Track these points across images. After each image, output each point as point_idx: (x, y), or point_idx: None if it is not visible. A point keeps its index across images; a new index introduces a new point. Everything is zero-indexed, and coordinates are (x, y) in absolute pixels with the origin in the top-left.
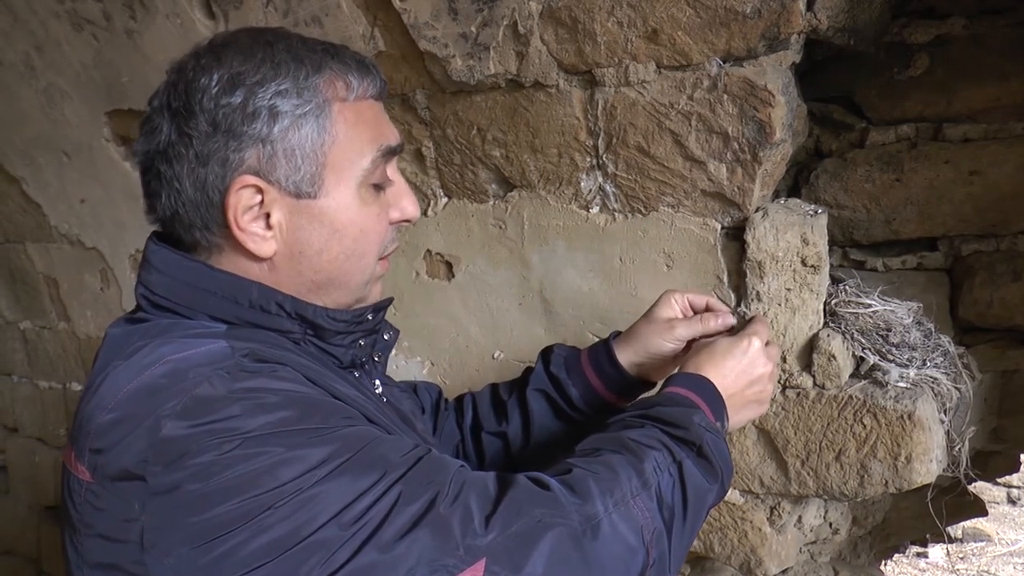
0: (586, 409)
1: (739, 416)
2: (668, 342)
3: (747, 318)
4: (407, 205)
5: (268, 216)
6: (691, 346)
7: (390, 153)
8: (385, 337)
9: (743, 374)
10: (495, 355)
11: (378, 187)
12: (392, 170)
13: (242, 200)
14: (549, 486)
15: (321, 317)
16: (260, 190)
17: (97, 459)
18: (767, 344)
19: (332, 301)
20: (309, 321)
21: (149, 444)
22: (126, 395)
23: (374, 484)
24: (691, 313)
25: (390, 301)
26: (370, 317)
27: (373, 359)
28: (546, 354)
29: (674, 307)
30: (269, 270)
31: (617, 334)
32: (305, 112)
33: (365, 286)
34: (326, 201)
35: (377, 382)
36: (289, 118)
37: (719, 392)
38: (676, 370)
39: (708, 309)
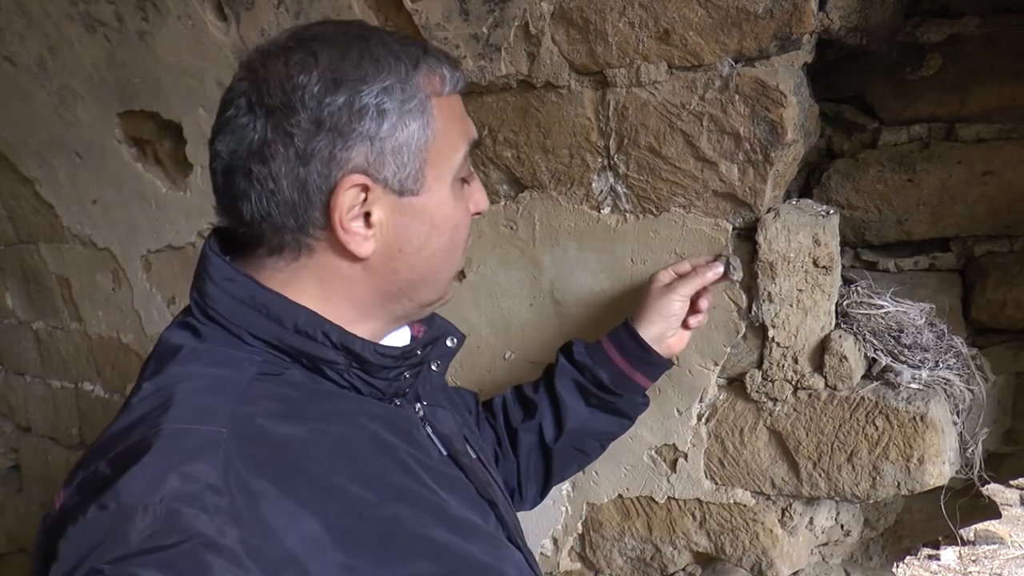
0: (616, 389)
1: None
2: (675, 300)
3: (723, 257)
4: (481, 198)
5: (367, 215)
6: (697, 304)
7: (475, 146)
8: (448, 344)
9: None
10: (506, 355)
11: (464, 181)
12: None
13: (348, 200)
14: None
15: (369, 351)
16: (366, 188)
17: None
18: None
19: (419, 299)
20: (355, 354)
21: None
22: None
23: None
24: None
25: (442, 337)
26: (419, 352)
27: (429, 367)
28: (565, 348)
29: (668, 275)
30: (363, 270)
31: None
32: (410, 109)
33: (450, 283)
34: (428, 197)
35: (418, 406)
36: (396, 115)
37: None
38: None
39: (693, 269)
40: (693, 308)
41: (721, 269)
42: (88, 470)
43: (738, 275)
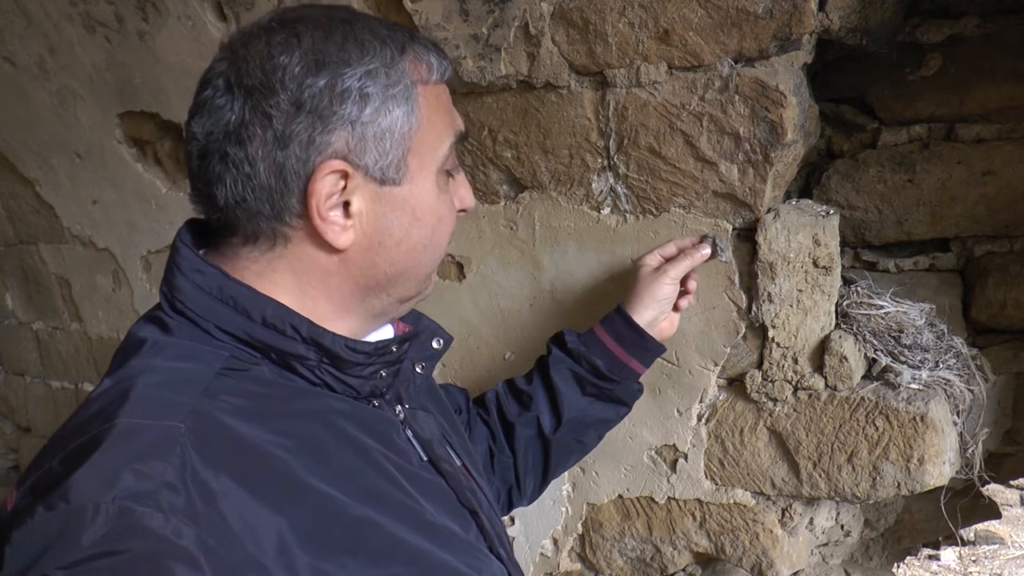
0: (613, 376)
1: None
2: (666, 284)
3: (710, 237)
4: (466, 194)
5: (347, 204)
6: (685, 284)
7: (462, 139)
8: (434, 345)
9: None
10: (506, 356)
11: (449, 175)
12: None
13: (326, 187)
14: None
15: (339, 347)
16: (345, 175)
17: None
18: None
19: (397, 294)
20: (326, 349)
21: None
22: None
23: None
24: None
25: (423, 335)
26: (394, 349)
27: (414, 369)
28: (557, 338)
29: (655, 259)
30: (341, 262)
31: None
32: (394, 94)
33: (429, 278)
34: (409, 188)
35: (399, 408)
36: (379, 100)
37: None
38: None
39: (679, 251)
40: (682, 289)
41: (708, 250)
42: (41, 469)
43: (727, 256)
